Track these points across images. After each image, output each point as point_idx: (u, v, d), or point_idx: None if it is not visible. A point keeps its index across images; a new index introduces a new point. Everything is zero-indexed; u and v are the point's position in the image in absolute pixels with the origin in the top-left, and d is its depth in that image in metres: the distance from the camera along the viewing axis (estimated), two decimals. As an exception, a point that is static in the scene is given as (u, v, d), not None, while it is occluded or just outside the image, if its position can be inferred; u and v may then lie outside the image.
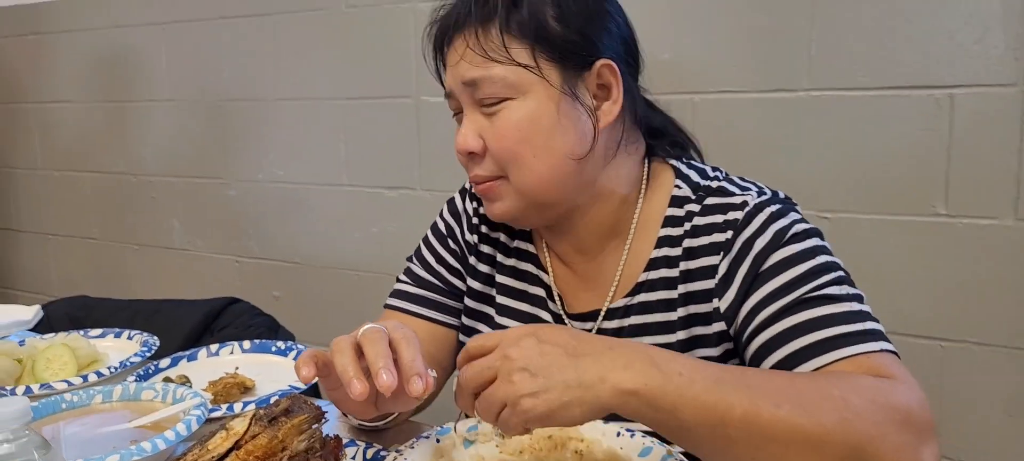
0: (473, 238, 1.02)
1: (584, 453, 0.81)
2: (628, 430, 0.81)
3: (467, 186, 1.05)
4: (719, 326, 0.85)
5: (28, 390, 0.99)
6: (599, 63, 0.85)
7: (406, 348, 0.71)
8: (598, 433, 0.82)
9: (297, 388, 1.00)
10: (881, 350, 0.74)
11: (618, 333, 0.90)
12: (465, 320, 1.02)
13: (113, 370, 1.05)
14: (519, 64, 0.83)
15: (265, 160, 2.32)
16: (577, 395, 0.64)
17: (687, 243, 0.87)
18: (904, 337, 1.51)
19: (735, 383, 0.64)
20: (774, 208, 0.84)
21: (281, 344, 1.16)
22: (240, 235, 2.40)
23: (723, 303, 0.84)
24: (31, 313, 1.29)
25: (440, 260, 1.04)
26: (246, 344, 1.16)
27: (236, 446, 0.75)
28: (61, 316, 1.32)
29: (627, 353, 0.65)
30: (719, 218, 0.86)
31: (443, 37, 0.89)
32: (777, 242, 0.82)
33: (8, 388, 0.99)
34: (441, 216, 1.07)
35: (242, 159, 2.36)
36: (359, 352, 0.71)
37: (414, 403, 0.76)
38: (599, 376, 0.64)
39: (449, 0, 0.89)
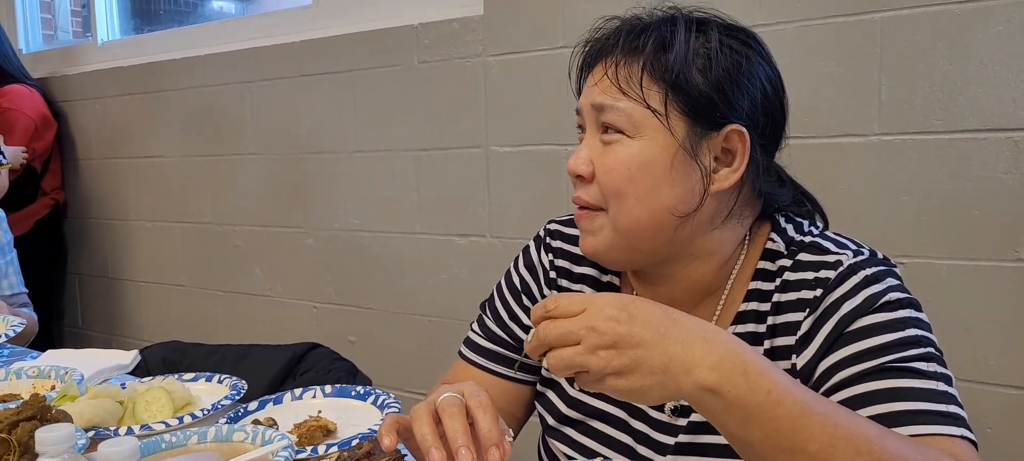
0: (551, 293, 1.01)
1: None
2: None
3: (542, 235, 1.05)
4: (796, 359, 0.83)
5: (129, 431, 1.06)
6: (729, 128, 0.84)
7: (482, 416, 0.71)
8: None
9: (375, 431, 1.04)
10: (961, 436, 0.71)
11: None
12: (544, 373, 1.02)
13: (206, 412, 1.11)
14: (648, 106, 0.83)
15: (341, 209, 2.41)
16: (660, 380, 0.64)
17: (776, 298, 0.86)
18: (985, 386, 1.47)
19: (822, 418, 0.64)
20: (869, 271, 0.82)
21: (360, 389, 1.21)
22: (318, 281, 2.50)
23: (801, 360, 0.82)
24: (130, 357, 1.37)
25: (513, 317, 1.03)
26: (327, 388, 1.21)
27: (322, 486, 0.79)
28: (157, 360, 1.41)
29: (720, 351, 0.65)
30: (810, 275, 0.84)
31: (590, 57, 0.90)
32: (867, 307, 0.79)
33: (112, 429, 1.06)
34: (516, 269, 1.06)
35: (320, 209, 2.47)
36: (437, 418, 0.72)
37: None
38: (685, 368, 0.64)
39: (619, 24, 0.90)
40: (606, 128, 0.85)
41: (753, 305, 0.88)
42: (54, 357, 1.36)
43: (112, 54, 3.06)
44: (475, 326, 1.08)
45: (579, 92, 0.93)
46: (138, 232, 3.02)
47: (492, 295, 1.08)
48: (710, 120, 0.83)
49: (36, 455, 0.86)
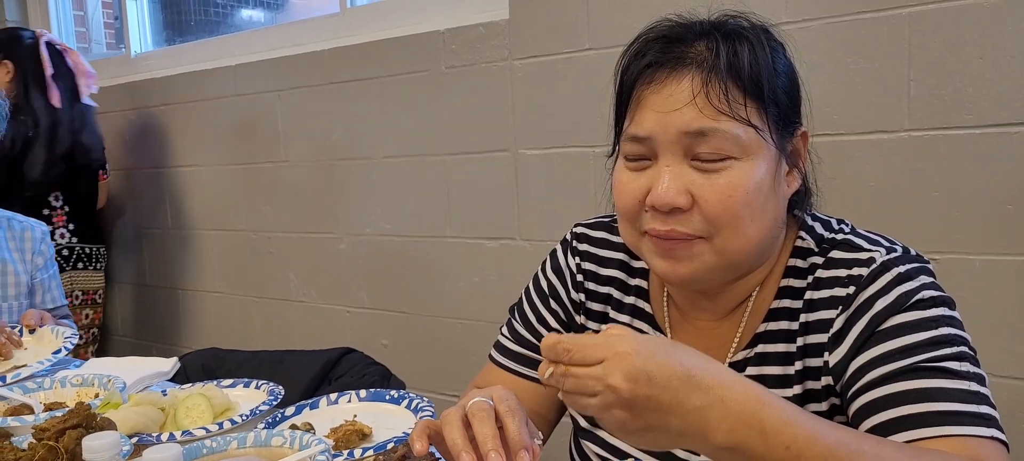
0: (579, 296, 1.01)
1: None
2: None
3: (569, 239, 1.05)
4: (826, 380, 0.83)
5: (171, 437, 1.09)
6: (799, 130, 0.85)
7: (511, 421, 0.73)
8: None
9: (408, 435, 1.06)
10: (990, 438, 0.71)
11: None
12: None
13: (244, 417, 1.14)
14: (750, 124, 0.79)
15: (373, 215, 2.45)
16: (676, 441, 0.65)
17: (809, 295, 0.86)
18: (1018, 381, 1.44)
19: (853, 450, 0.64)
20: (902, 269, 0.81)
21: (395, 393, 1.23)
22: (351, 286, 2.53)
23: (833, 358, 0.82)
24: (169, 364, 1.41)
25: (541, 320, 1.04)
26: (362, 393, 1.23)
27: (358, 490, 0.82)
28: (196, 367, 1.44)
29: (736, 413, 0.64)
30: (842, 273, 0.84)
31: (657, 74, 0.82)
32: (900, 305, 0.79)
33: (154, 434, 1.10)
34: (543, 272, 1.06)
35: (351, 214, 2.50)
36: (467, 423, 0.74)
37: None
38: (701, 432, 0.64)
39: (664, 33, 0.84)
40: (701, 156, 0.80)
41: (785, 302, 0.88)
42: (97, 365, 1.40)
43: (145, 65, 3.13)
44: (504, 330, 1.09)
45: (622, 116, 0.87)
46: (174, 240, 3.09)
47: (520, 299, 1.09)
48: (789, 126, 0.84)
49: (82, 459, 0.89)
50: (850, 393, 0.80)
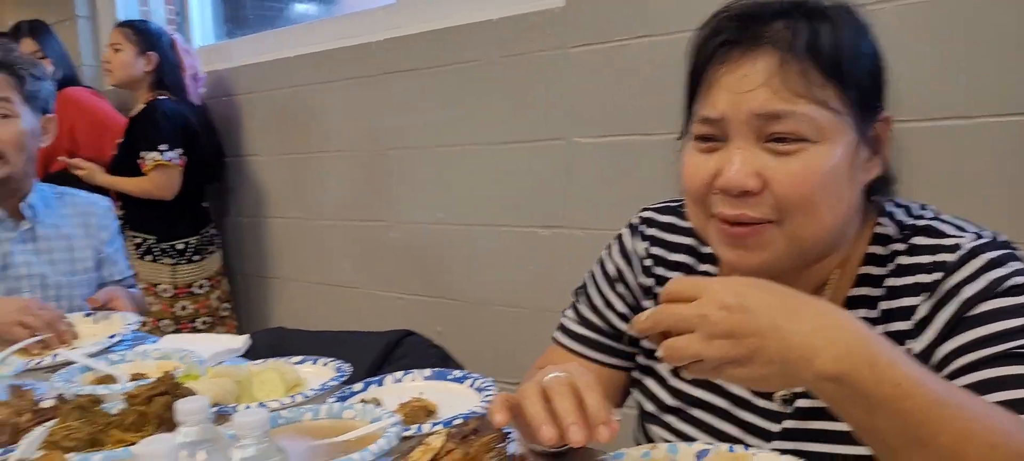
0: (648, 281, 1.02)
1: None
2: (807, 461, 0.82)
3: (636, 223, 1.05)
4: (909, 344, 0.82)
5: (248, 408, 1.13)
6: (881, 115, 0.83)
7: (590, 396, 0.74)
8: None
9: (475, 413, 1.08)
10: None
11: None
12: (640, 360, 1.03)
13: (315, 392, 1.18)
14: (829, 106, 0.78)
15: (425, 203, 2.48)
16: (779, 369, 0.64)
17: (889, 282, 0.84)
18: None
19: (956, 411, 0.63)
20: (992, 255, 0.79)
21: (458, 372, 1.26)
22: (404, 274, 2.57)
23: (918, 345, 0.81)
24: (241, 341, 1.46)
25: (607, 304, 1.05)
26: (426, 371, 1.26)
27: (434, 459, 0.84)
28: (264, 345, 1.49)
29: (846, 341, 0.63)
30: (927, 259, 0.82)
31: (731, 54, 0.81)
32: (990, 292, 0.77)
33: (232, 405, 1.14)
34: (610, 255, 1.06)
35: (404, 203, 2.54)
36: (546, 397, 0.76)
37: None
38: (805, 357, 0.63)
39: (741, 10, 0.82)
40: (774, 137, 0.78)
41: (864, 290, 0.87)
42: (174, 341, 1.46)
43: (206, 59, 3.22)
44: (569, 313, 1.10)
45: (693, 97, 0.85)
46: (235, 228, 3.17)
47: (585, 282, 1.10)
48: (870, 110, 0.82)
49: (173, 424, 0.93)
50: (945, 374, 0.78)
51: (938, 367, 0.79)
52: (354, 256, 2.74)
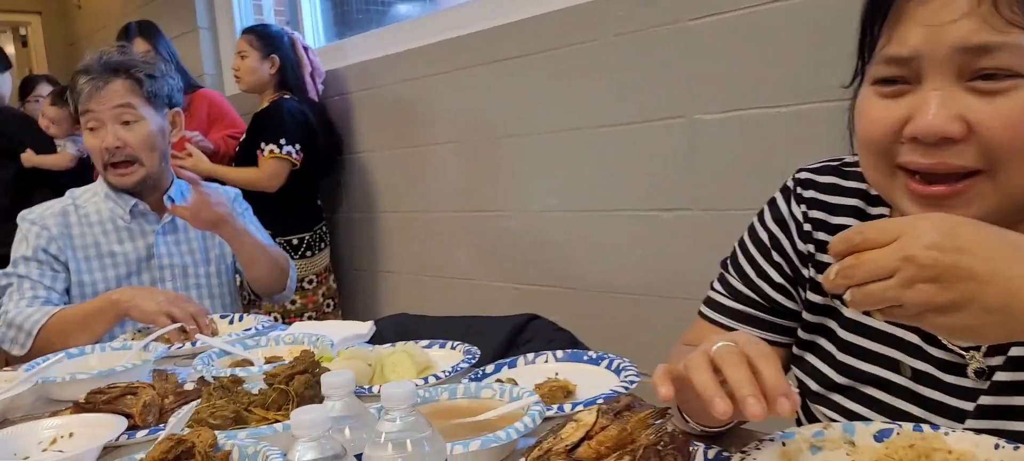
0: (807, 247, 0.93)
1: (953, 467, 0.73)
2: (1010, 441, 0.72)
3: (790, 185, 0.96)
4: None
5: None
6: None
7: (766, 366, 0.66)
8: (970, 444, 0.73)
9: (618, 393, 1.02)
10: None
11: (1012, 345, 0.77)
12: (801, 335, 0.94)
13: (447, 373, 1.15)
14: None
15: (539, 190, 2.44)
16: (998, 320, 0.56)
17: None
18: None
19: None
20: None
21: (593, 353, 1.20)
22: (519, 263, 2.54)
23: None
24: (367, 327, 1.46)
25: (761, 274, 0.96)
26: (559, 353, 1.21)
27: (587, 436, 0.78)
28: (390, 330, 1.48)
29: None
30: None
31: None
32: None
33: (366, 387, 1.12)
34: (762, 222, 0.98)
35: (518, 191, 2.51)
36: (715, 368, 0.69)
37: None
38: None
39: None
40: (982, 74, 0.68)
41: None
42: (303, 327, 1.47)
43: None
44: (717, 285, 1.02)
45: (873, 36, 0.76)
46: (349, 224, 3.23)
47: (735, 252, 1.02)
48: None
49: (310, 402, 0.92)
50: None
51: None
52: (468, 247, 2.73)
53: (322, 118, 3.02)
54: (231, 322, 1.65)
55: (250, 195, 2.87)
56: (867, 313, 0.74)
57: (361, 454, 0.72)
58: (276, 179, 2.84)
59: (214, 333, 1.53)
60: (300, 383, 0.94)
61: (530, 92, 2.40)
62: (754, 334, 0.96)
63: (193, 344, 1.42)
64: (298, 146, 2.83)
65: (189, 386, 1.14)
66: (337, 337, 1.34)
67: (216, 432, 0.88)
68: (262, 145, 2.82)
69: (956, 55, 0.69)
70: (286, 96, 2.89)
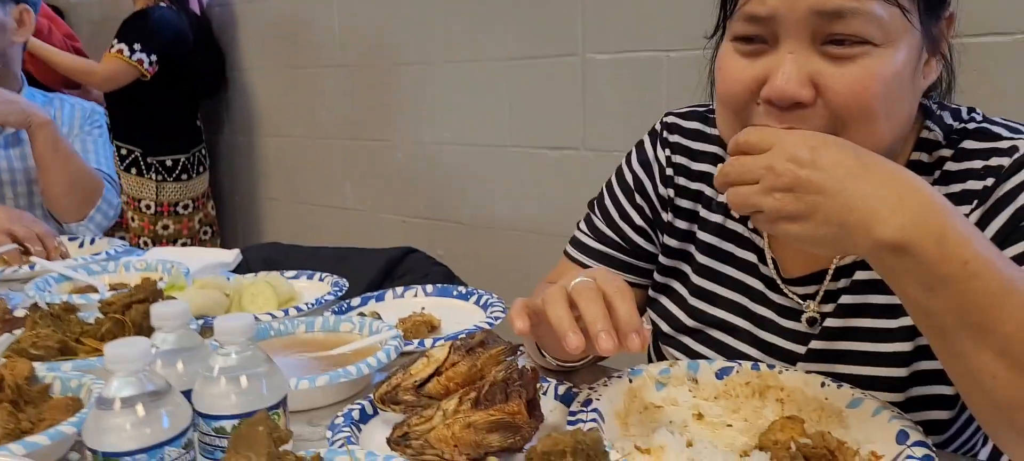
0: (667, 191, 0.93)
1: (785, 402, 0.76)
2: (834, 380, 0.75)
3: (658, 128, 0.96)
4: None
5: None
6: (948, 12, 0.73)
7: (621, 302, 0.67)
8: (800, 382, 0.77)
9: (482, 327, 1.01)
10: None
11: (842, 293, 0.81)
12: (657, 277, 0.95)
13: (309, 306, 1.11)
14: (898, 4, 0.68)
15: (431, 122, 2.38)
16: (835, 232, 0.59)
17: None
18: None
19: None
20: None
21: (462, 288, 1.18)
22: (407, 195, 2.49)
23: None
24: (232, 256, 1.38)
25: (624, 216, 0.96)
26: (429, 288, 1.19)
27: (437, 372, 0.76)
28: (258, 260, 1.41)
29: (914, 210, 0.57)
30: (978, 164, 0.75)
31: None
32: None
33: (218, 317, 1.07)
34: (628, 165, 0.97)
35: (409, 122, 2.44)
36: (572, 303, 0.69)
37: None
38: (865, 223, 0.58)
39: None
40: (834, 39, 0.69)
41: None
42: (160, 253, 1.38)
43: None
44: (583, 225, 1.02)
45: None
46: (232, 147, 3.07)
47: (602, 193, 1.01)
48: (937, 7, 0.73)
49: (151, 334, 0.86)
50: None
51: None
52: (355, 177, 2.65)
53: (204, 32, 2.83)
54: (81, 245, 1.53)
55: (124, 110, 2.69)
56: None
57: (190, 390, 0.68)
58: (111, 82, 2.64)
59: (64, 256, 1.42)
60: (138, 313, 0.88)
61: (426, 20, 2.32)
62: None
63: (32, 267, 1.30)
64: (154, 57, 2.63)
65: (20, 313, 1.05)
66: (196, 265, 1.27)
67: (38, 363, 0.81)
68: (113, 43, 2.62)
69: (811, 17, 0.69)
70: (162, 3, 2.68)
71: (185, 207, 2.83)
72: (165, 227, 2.80)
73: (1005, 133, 0.76)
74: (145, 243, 2.76)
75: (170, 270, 1.22)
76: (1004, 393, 0.58)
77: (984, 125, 0.78)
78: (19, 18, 1.68)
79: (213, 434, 0.66)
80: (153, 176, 2.76)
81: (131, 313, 0.89)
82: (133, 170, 2.76)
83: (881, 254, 0.58)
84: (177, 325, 0.73)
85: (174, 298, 0.98)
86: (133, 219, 2.77)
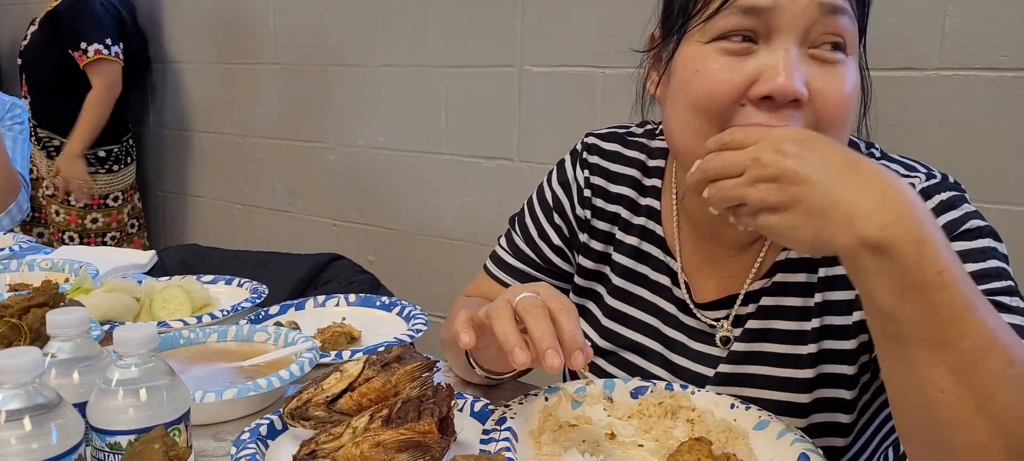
0: (584, 213, 0.93)
1: (695, 422, 0.78)
2: (743, 402, 0.77)
3: (578, 149, 0.96)
4: (859, 315, 0.77)
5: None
6: (863, 39, 0.75)
7: (566, 320, 0.67)
8: (711, 403, 0.78)
9: (402, 340, 1.00)
10: None
11: (749, 318, 0.83)
12: (572, 298, 0.95)
13: (225, 313, 1.07)
14: (857, 20, 0.70)
15: (366, 126, 2.35)
16: (816, 224, 0.58)
17: None
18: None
19: (983, 316, 0.56)
20: (944, 196, 0.74)
21: (385, 299, 1.16)
22: (338, 199, 2.44)
23: None
24: (146, 257, 1.33)
25: (542, 234, 0.97)
26: (351, 297, 1.17)
27: (350, 388, 0.75)
28: (174, 262, 1.36)
29: (897, 211, 0.56)
30: None
31: None
32: (948, 235, 0.71)
33: (127, 323, 1.02)
34: (549, 183, 0.97)
35: (343, 124, 2.40)
36: (518, 317, 0.68)
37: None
38: (848, 217, 0.56)
39: None
40: (821, 43, 0.69)
41: None
42: (68, 252, 1.32)
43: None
44: (503, 241, 1.01)
45: None
46: (158, 140, 2.97)
47: (523, 210, 1.01)
48: (862, 32, 0.75)
49: (47, 339, 0.82)
50: None
51: None
52: (286, 178, 2.59)
53: (132, 18, 2.73)
54: (-18, 237, 1.45)
55: (52, 98, 2.56)
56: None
57: (86, 403, 0.65)
58: (117, 86, 2.57)
59: None
60: (36, 317, 0.83)
61: (364, 22, 2.29)
62: None
63: (-71, 263, 1.23)
64: (121, 46, 2.55)
65: (-89, 312, 0.98)
66: (106, 266, 1.21)
67: (-78, 368, 0.76)
68: (83, 46, 2.51)
69: (813, 11, 0.68)
70: None
71: (115, 199, 2.73)
72: (95, 221, 2.69)
73: (901, 170, 0.78)
74: (70, 238, 2.64)
75: (78, 271, 1.16)
76: (946, 408, 0.57)
77: (882, 162, 0.80)
78: None
79: (107, 450, 0.63)
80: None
81: (28, 318, 0.84)
82: None
83: (859, 252, 0.56)
84: (75, 333, 0.69)
85: (78, 302, 0.94)
86: (58, 213, 2.65)
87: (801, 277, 0.81)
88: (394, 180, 2.31)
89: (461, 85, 2.11)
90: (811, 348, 0.80)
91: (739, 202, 0.62)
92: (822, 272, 0.80)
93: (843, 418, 0.80)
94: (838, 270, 0.79)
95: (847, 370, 0.79)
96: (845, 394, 0.80)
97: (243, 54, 2.63)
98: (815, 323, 0.80)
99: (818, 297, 0.80)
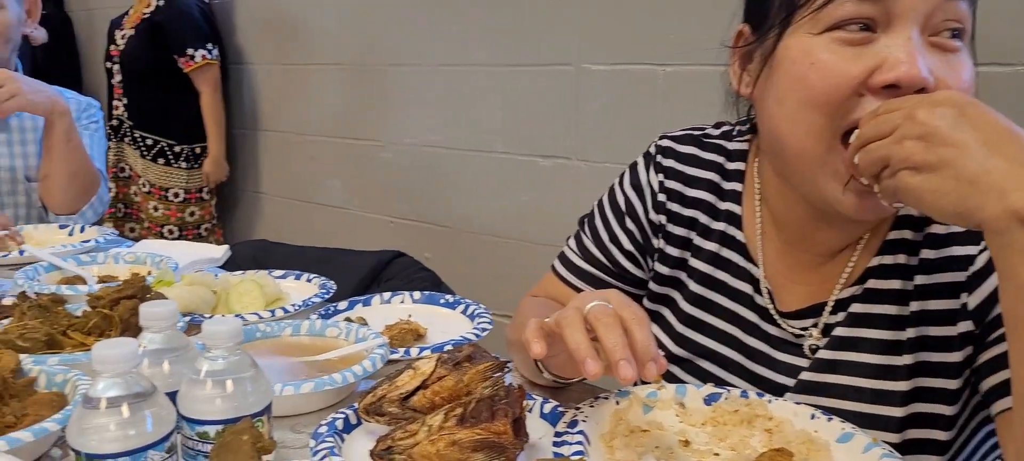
0: (659, 217, 0.92)
1: (773, 432, 0.76)
2: (825, 414, 0.76)
3: (652, 152, 0.95)
4: (966, 326, 0.74)
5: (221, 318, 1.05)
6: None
7: (638, 330, 0.66)
8: (789, 413, 0.77)
9: (469, 339, 1.01)
10: None
11: (838, 326, 0.80)
12: (646, 304, 0.94)
13: (296, 307, 1.11)
14: (972, 11, 0.69)
15: (422, 125, 2.38)
16: (962, 192, 0.56)
17: (934, 229, 0.76)
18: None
19: None
20: None
21: (449, 297, 1.18)
22: (395, 196, 2.48)
23: (974, 298, 0.73)
24: (221, 251, 1.38)
25: (613, 238, 0.95)
26: (416, 294, 1.19)
27: (423, 385, 0.77)
28: (246, 256, 1.41)
29: None
30: None
31: None
32: None
33: (206, 315, 1.06)
34: (621, 187, 0.96)
35: (400, 123, 2.44)
36: (587, 326, 0.67)
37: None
38: (1001, 187, 0.54)
39: None
40: (943, 30, 0.67)
41: (904, 233, 0.78)
42: (149, 246, 1.37)
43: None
44: (572, 243, 1.01)
45: None
46: (229, 139, 3.05)
47: (593, 212, 1.00)
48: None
49: (139, 330, 0.85)
50: (993, 336, 0.71)
51: (997, 322, 0.71)
52: (344, 175, 2.65)
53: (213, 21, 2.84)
54: (71, 233, 1.52)
55: (149, 102, 2.70)
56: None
57: (176, 391, 0.68)
58: (219, 87, 2.74)
59: (20, 244, 1.40)
60: (125, 308, 0.88)
61: (420, 22, 2.32)
62: None
63: (20, 252, 1.29)
64: (217, 49, 2.70)
65: (7, 301, 1.04)
66: (184, 260, 1.26)
67: (24, 355, 0.80)
68: (190, 52, 2.63)
69: (944, 2, 0.67)
70: None
71: (208, 193, 2.88)
72: (192, 214, 2.83)
73: None
74: (170, 231, 2.77)
75: (159, 264, 1.21)
76: None
77: None
78: (28, 9, 1.71)
79: (196, 438, 0.66)
80: (183, 164, 2.80)
81: (119, 309, 0.88)
82: (160, 160, 2.80)
83: (1009, 225, 0.54)
84: (165, 326, 0.73)
85: (162, 294, 0.98)
86: (157, 209, 2.78)
87: (896, 284, 0.78)
88: (449, 178, 2.33)
89: (517, 83, 2.13)
90: (907, 359, 0.77)
91: (884, 164, 0.59)
92: (918, 279, 0.77)
93: (941, 435, 0.77)
94: (936, 278, 0.76)
95: (950, 384, 0.76)
96: (945, 410, 0.77)
97: (303, 55, 2.69)
98: (911, 333, 0.77)
99: (915, 306, 0.77)
